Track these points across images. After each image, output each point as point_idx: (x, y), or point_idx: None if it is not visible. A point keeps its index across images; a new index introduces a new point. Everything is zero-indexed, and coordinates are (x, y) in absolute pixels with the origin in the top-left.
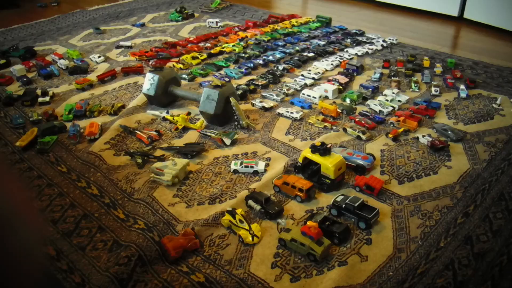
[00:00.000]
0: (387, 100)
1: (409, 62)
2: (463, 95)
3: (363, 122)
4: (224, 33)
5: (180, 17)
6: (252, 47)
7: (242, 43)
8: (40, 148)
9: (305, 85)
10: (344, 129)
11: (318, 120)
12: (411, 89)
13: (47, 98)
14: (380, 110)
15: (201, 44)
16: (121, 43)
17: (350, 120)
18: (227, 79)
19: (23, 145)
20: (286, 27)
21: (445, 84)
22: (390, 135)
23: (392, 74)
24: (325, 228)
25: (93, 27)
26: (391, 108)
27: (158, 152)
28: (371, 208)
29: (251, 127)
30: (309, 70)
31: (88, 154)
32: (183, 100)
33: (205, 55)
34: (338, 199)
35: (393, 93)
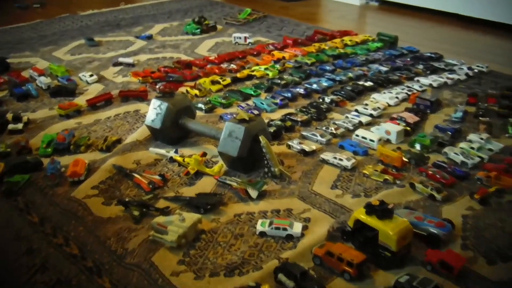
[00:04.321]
0: (472, 148)
1: (504, 98)
2: None
3: (438, 176)
4: (255, 52)
5: (199, 30)
6: (290, 71)
7: (277, 66)
8: (6, 189)
9: (360, 124)
10: (412, 185)
11: (377, 171)
12: (507, 135)
13: (19, 125)
14: (462, 161)
15: (224, 66)
16: (121, 59)
17: (421, 172)
18: (256, 112)
19: None
20: (337, 47)
21: None
22: (476, 196)
23: (480, 113)
24: None
25: (86, 37)
26: (479, 159)
27: (162, 203)
28: None
29: (285, 176)
30: (366, 104)
31: (69, 200)
32: (197, 137)
33: (228, 80)
34: (402, 279)
35: (482, 138)
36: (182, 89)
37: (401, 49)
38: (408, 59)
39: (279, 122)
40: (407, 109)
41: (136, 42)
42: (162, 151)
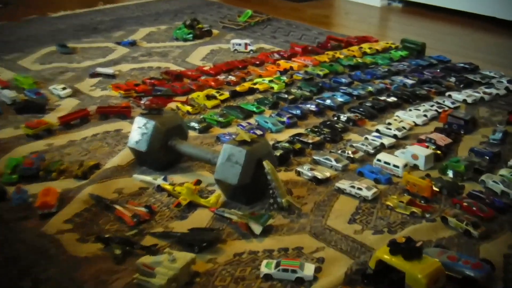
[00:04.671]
0: None
1: None
2: None
3: (474, 208)
4: (257, 62)
5: (191, 35)
6: (299, 84)
7: (284, 77)
8: None
9: (382, 147)
10: (444, 219)
11: (402, 202)
12: None
13: None
14: (503, 191)
15: (221, 77)
16: (99, 69)
17: (454, 204)
18: (259, 132)
19: None
20: (354, 56)
21: None
22: None
23: None
24: None
25: (57, 43)
26: None
27: (148, 240)
28: None
29: (294, 209)
30: (389, 124)
31: (39, 237)
32: (190, 161)
33: (226, 94)
34: None
35: None
36: (172, 105)
37: (429, 58)
38: (438, 70)
39: (286, 145)
40: (437, 130)
41: (117, 49)
42: (149, 178)
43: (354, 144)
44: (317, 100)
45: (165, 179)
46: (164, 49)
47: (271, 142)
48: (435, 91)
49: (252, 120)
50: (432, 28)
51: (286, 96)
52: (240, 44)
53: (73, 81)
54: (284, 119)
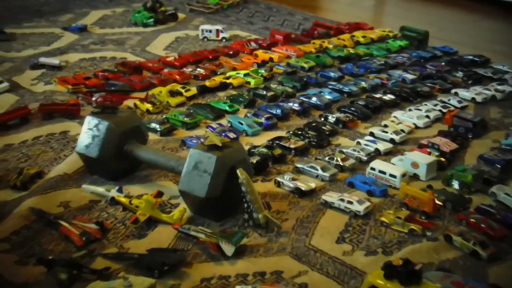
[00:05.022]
0: None
1: None
2: None
3: (483, 225)
4: (231, 52)
5: (152, 19)
6: (281, 78)
7: (262, 71)
8: None
9: (377, 153)
10: (448, 238)
11: (400, 218)
12: None
13: None
14: None
15: (188, 70)
16: (43, 59)
17: (460, 220)
18: (232, 136)
19: None
20: (345, 46)
21: None
22: None
23: None
24: None
25: None
26: None
27: (100, 263)
28: None
29: (273, 225)
30: (385, 126)
31: None
32: (149, 169)
33: (194, 90)
34: None
35: None
36: (129, 103)
37: (433, 49)
38: (443, 63)
39: (264, 150)
40: (441, 133)
41: (64, 35)
42: (100, 189)
43: (344, 150)
44: (301, 98)
45: (120, 191)
46: (120, 36)
47: (246, 147)
48: (439, 88)
49: (224, 121)
50: (436, 14)
51: (264, 92)
52: (210, 31)
53: (11, 74)
54: (262, 120)
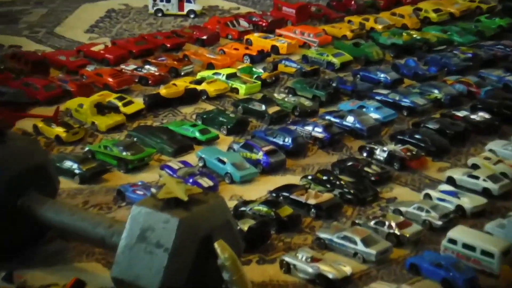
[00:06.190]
0: None
1: None
2: None
3: None
4: (205, 36)
5: None
6: (291, 83)
7: (260, 69)
8: None
9: (459, 213)
10: None
11: None
12: None
13: None
14: None
15: (129, 68)
16: None
17: None
18: (207, 183)
19: None
20: (404, 27)
21: None
22: None
23: None
24: None
25: None
26: None
27: None
28: None
29: None
30: (475, 167)
31: None
32: (62, 241)
33: (139, 103)
34: None
35: None
36: (26, 123)
37: None
38: None
39: (263, 209)
40: None
41: None
42: None
43: (402, 209)
44: (327, 117)
45: (7, 279)
46: (13, 8)
47: (231, 203)
48: None
49: (192, 158)
50: None
51: (263, 107)
52: (168, 0)
53: None
54: (259, 155)
